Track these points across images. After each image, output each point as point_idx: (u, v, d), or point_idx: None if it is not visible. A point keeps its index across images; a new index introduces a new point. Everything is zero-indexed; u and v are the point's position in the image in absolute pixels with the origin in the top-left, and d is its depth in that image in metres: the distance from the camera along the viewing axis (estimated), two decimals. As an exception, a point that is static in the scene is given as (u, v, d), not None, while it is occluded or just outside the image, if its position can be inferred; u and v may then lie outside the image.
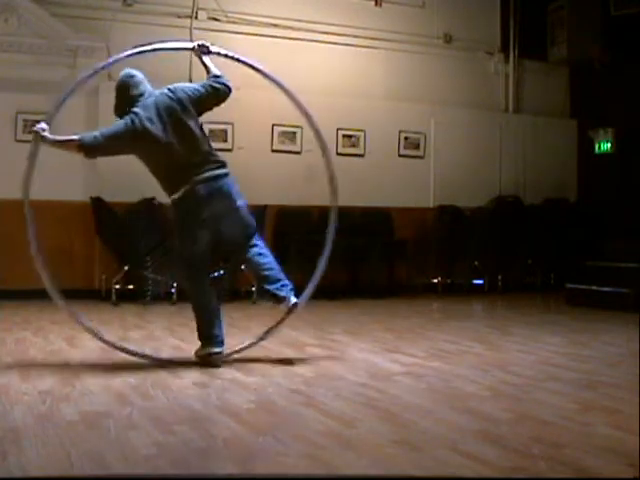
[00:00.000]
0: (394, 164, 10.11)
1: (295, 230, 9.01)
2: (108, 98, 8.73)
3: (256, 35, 9.48)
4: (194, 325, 6.64)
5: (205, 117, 9.28)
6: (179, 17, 9.20)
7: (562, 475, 2.64)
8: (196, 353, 4.70)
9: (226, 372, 4.47)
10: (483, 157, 10.60)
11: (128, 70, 5.04)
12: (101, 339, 4.79)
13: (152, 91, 4.89)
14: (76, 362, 4.70)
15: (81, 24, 8.58)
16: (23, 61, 8.32)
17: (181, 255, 4.83)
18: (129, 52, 4.99)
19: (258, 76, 9.88)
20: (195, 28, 9.23)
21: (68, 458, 2.74)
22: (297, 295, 4.86)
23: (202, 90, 4.98)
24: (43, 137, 5.08)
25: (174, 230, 4.96)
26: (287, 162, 9.36)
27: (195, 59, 9.28)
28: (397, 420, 3.40)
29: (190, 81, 9.24)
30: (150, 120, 4.71)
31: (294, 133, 9.36)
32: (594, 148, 10.85)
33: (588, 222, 10.12)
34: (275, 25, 9.56)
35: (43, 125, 5.12)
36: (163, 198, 8.63)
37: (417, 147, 10.31)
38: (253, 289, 8.52)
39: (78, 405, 3.56)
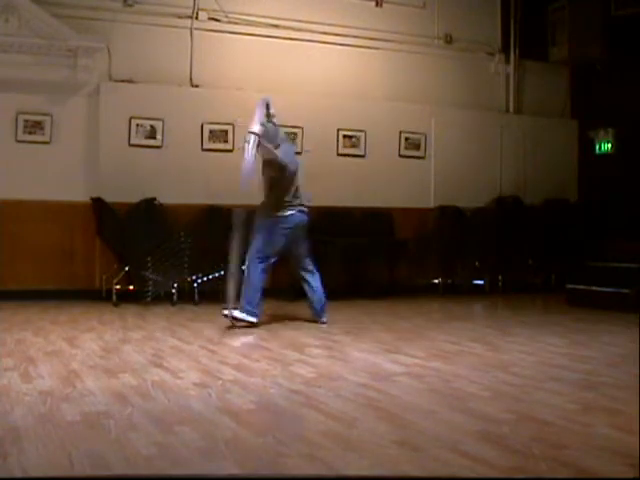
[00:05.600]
0: (395, 164, 10.10)
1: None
2: (109, 98, 8.81)
3: (256, 35, 9.48)
4: (194, 325, 6.67)
5: (206, 118, 9.37)
6: (179, 17, 9.20)
7: (562, 475, 2.65)
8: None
9: (227, 372, 4.47)
10: (484, 157, 10.60)
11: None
12: None
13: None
14: (77, 362, 4.70)
15: (82, 25, 8.58)
16: (24, 61, 8.32)
17: None
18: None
19: (259, 78, 9.92)
20: (195, 29, 9.24)
21: (69, 458, 2.75)
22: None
23: None
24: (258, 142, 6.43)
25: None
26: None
27: (195, 61, 9.31)
28: (397, 420, 3.40)
29: (191, 81, 9.27)
30: None
31: (295, 134, 9.36)
32: (594, 148, 10.84)
33: (588, 222, 10.11)
34: (275, 25, 9.56)
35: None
36: (163, 199, 8.71)
37: (418, 147, 10.31)
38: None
39: (79, 405, 3.56)
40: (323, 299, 6.81)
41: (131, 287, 8.46)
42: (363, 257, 9.34)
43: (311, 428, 3.26)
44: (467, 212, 10.23)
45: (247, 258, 6.64)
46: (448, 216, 10.09)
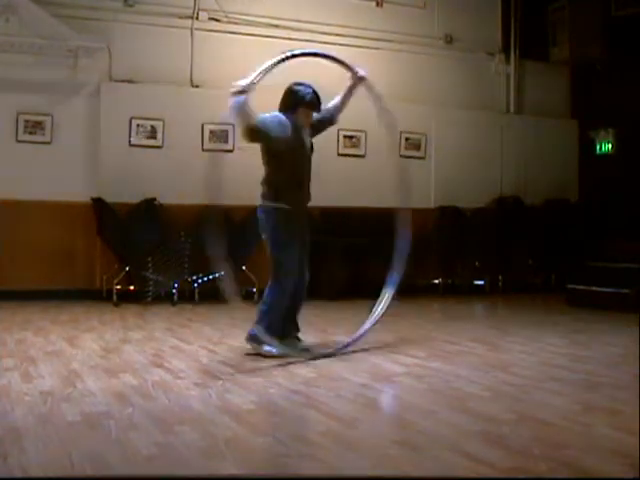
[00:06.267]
0: (395, 165, 10.10)
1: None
2: (109, 98, 8.81)
3: (256, 35, 9.48)
4: (194, 325, 6.67)
5: (207, 119, 9.36)
6: (180, 18, 9.20)
7: (562, 475, 2.65)
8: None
9: (227, 372, 4.47)
10: (484, 158, 10.60)
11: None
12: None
13: None
14: (77, 362, 4.70)
15: (82, 25, 8.58)
16: (24, 61, 8.33)
17: None
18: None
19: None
20: (196, 29, 9.25)
21: (69, 458, 2.75)
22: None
23: None
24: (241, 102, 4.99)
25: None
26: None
27: (195, 61, 9.29)
28: (398, 421, 3.40)
29: (191, 81, 9.27)
30: None
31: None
32: (595, 148, 10.85)
33: (588, 222, 10.12)
34: (275, 25, 9.56)
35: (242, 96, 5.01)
36: (164, 199, 8.71)
37: (418, 148, 10.31)
38: (254, 290, 8.53)
39: (79, 405, 3.56)
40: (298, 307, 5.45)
41: (131, 287, 8.47)
42: (363, 257, 9.34)
43: (311, 428, 3.26)
44: (467, 212, 10.23)
45: None
46: (448, 216, 10.09)
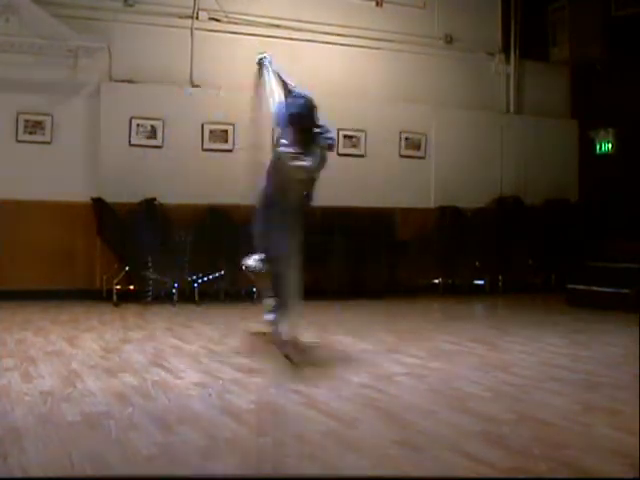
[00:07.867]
0: (395, 164, 10.11)
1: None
2: (109, 98, 8.81)
3: (256, 35, 9.48)
4: (194, 325, 6.66)
5: (206, 118, 9.35)
6: (180, 18, 9.20)
7: (562, 475, 2.65)
8: None
9: (227, 372, 4.47)
10: (484, 158, 10.60)
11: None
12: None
13: None
14: (77, 362, 4.70)
15: (82, 25, 8.58)
16: (24, 61, 8.33)
17: None
18: None
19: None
20: (196, 29, 9.24)
21: (69, 458, 2.75)
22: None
23: None
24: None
25: None
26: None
27: (195, 61, 9.27)
28: (398, 420, 3.40)
29: (191, 81, 9.28)
30: None
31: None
32: (595, 148, 10.85)
33: (588, 222, 10.12)
34: (276, 25, 9.56)
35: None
36: (163, 199, 8.70)
37: (418, 148, 10.31)
38: (254, 289, 8.52)
39: (79, 405, 3.56)
40: None
41: (131, 287, 8.47)
42: (364, 257, 9.34)
43: (311, 428, 3.26)
44: (467, 212, 10.23)
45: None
46: (448, 216, 10.09)
